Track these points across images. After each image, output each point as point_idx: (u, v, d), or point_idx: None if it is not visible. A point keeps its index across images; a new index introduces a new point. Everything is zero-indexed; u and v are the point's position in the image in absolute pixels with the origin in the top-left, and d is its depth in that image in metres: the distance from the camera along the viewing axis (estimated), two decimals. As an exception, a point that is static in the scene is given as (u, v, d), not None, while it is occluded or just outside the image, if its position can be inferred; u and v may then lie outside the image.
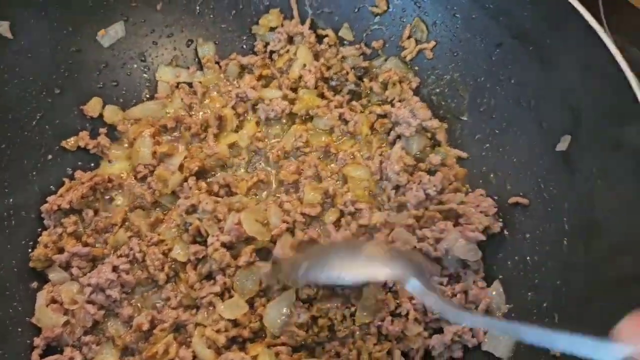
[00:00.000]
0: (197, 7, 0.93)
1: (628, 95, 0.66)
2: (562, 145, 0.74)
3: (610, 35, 0.99)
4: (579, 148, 0.73)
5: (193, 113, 0.89)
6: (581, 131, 0.73)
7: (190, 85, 0.91)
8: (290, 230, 0.76)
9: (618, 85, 0.66)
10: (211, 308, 0.71)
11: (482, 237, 0.75)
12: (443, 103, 0.89)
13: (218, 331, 0.68)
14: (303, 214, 0.78)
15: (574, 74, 0.73)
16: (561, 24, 0.73)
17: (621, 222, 0.66)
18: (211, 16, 0.94)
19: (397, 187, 0.82)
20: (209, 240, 0.73)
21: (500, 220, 0.78)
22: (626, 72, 0.66)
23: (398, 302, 0.74)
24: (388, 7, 0.91)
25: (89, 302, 0.71)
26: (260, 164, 0.86)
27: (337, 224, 0.79)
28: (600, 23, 0.99)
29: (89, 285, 0.71)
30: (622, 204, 0.67)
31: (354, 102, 0.90)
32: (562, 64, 0.75)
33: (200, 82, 0.91)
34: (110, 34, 0.88)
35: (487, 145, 0.84)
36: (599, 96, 0.70)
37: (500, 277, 0.76)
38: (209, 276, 0.73)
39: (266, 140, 0.87)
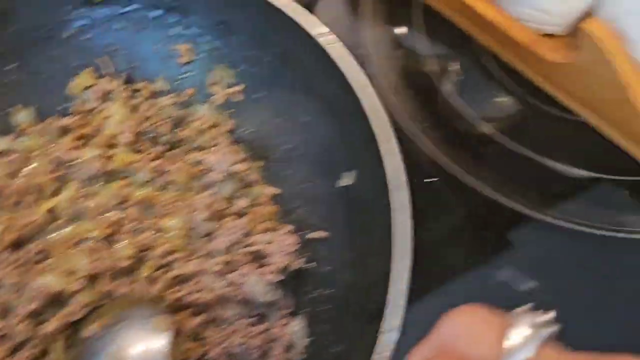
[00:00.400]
0: (11, 75, 0.95)
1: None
2: (346, 180, 0.79)
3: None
4: (360, 182, 0.78)
5: (14, 181, 0.90)
6: (360, 166, 0.78)
7: (10, 152, 0.93)
8: (96, 280, 0.79)
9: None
10: (16, 383, 0.74)
11: (280, 277, 0.79)
12: (257, 143, 0.93)
13: (19, 408, 0.72)
14: (113, 267, 0.81)
15: (346, 116, 0.78)
16: (315, 61, 0.78)
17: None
18: (27, 81, 0.96)
19: (207, 234, 0.86)
20: (14, 312, 0.76)
21: (305, 255, 0.83)
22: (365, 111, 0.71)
23: (205, 349, 0.78)
24: (194, 57, 0.94)
25: None
26: (81, 224, 0.89)
27: (150, 277, 0.83)
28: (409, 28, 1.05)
29: None
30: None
31: (171, 152, 0.93)
32: (337, 107, 0.80)
33: (20, 149, 0.93)
34: None
35: (295, 182, 0.89)
36: (362, 134, 0.75)
37: (305, 310, 0.81)
38: (15, 352, 0.76)
39: (86, 200, 0.90)
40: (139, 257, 0.84)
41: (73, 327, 0.78)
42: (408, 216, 0.66)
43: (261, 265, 0.82)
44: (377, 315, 0.69)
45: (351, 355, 0.70)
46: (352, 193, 0.79)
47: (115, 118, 0.94)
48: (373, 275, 0.72)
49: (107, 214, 0.88)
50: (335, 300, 0.79)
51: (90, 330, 0.73)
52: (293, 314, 0.81)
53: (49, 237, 0.86)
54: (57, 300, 0.79)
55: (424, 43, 1.09)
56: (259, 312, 0.81)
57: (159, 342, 0.71)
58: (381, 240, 0.72)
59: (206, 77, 0.94)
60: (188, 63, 0.95)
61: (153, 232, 0.87)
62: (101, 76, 0.96)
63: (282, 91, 0.87)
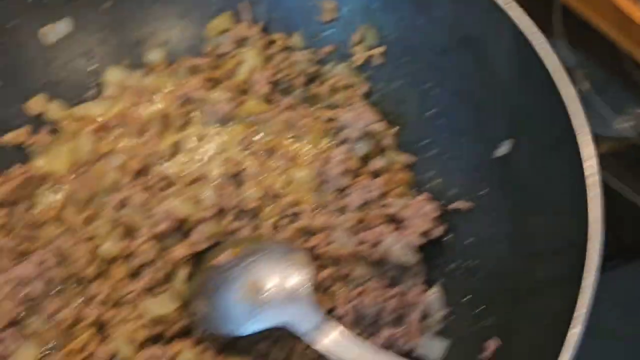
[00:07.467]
0: (147, 8, 0.92)
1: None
2: (503, 149, 0.74)
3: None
4: (519, 152, 0.73)
5: (138, 112, 0.87)
6: (521, 135, 0.73)
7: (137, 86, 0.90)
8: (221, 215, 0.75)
9: (553, 90, 0.67)
10: (135, 304, 0.68)
11: (422, 240, 0.74)
12: (391, 109, 0.88)
13: (141, 327, 0.66)
14: (239, 206, 0.76)
15: (512, 80, 0.74)
16: (497, 30, 0.73)
17: (561, 221, 0.66)
18: (161, 18, 0.93)
19: (339, 190, 0.81)
20: (139, 233, 0.71)
21: (443, 225, 0.77)
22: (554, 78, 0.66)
23: (333, 304, 0.72)
24: (337, 15, 0.91)
25: (10, 296, 0.68)
26: (203, 161, 0.84)
27: (275, 224, 0.78)
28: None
29: (10, 279, 0.69)
30: (562, 203, 0.67)
31: (301, 106, 0.90)
32: (501, 70, 0.75)
33: (147, 84, 0.90)
34: (56, 31, 0.87)
35: (434, 151, 0.84)
36: (536, 101, 0.71)
37: (441, 280, 0.75)
38: (137, 273, 0.71)
39: (210, 139, 0.86)
40: (265, 203, 0.79)
41: (194, 259, 0.73)
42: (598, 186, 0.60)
43: (397, 228, 0.76)
44: (539, 291, 0.63)
45: (503, 329, 0.64)
46: (505, 163, 0.74)
47: (249, 65, 0.91)
48: (542, 249, 0.67)
49: (231, 155, 0.84)
50: (478, 273, 0.73)
51: (224, 257, 0.68)
52: (427, 283, 0.75)
53: (170, 168, 0.82)
54: (180, 230, 0.74)
55: (566, 52, 1.04)
56: (391, 276, 0.75)
57: (302, 275, 0.65)
58: (558, 207, 0.67)
59: (348, 36, 0.91)
60: (330, 22, 0.91)
61: (281, 180, 0.82)
62: (239, 22, 0.94)
63: (432, 55, 0.83)
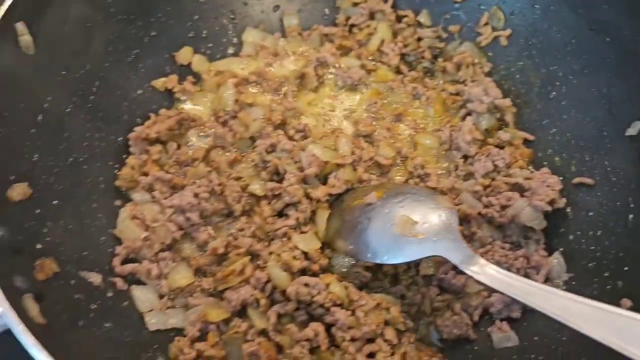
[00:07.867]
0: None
1: None
2: (633, 130, 0.77)
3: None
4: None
5: (273, 71, 0.93)
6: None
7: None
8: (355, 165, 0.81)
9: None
10: (285, 239, 0.74)
11: (549, 208, 0.77)
12: (513, 88, 0.92)
13: (294, 258, 0.71)
14: (372, 159, 0.82)
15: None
16: (634, 13, 0.77)
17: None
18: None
19: (465, 157, 0.85)
20: (287, 176, 0.77)
21: (564, 197, 0.81)
22: None
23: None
24: (473, -4, 0.95)
25: (169, 221, 0.75)
26: (336, 121, 0.90)
27: (405, 182, 0.82)
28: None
29: (171, 206, 0.75)
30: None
31: (427, 79, 0.95)
32: (637, 52, 0.78)
33: (281, 47, 0.96)
34: (207, -12, 0.94)
35: (555, 129, 0.87)
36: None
37: (561, 249, 0.78)
38: (281, 214, 0.77)
39: (342, 102, 0.91)
40: (395, 162, 0.84)
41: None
42: None
43: (522, 196, 0.80)
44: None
45: (632, 293, 0.68)
46: (633, 143, 0.77)
47: (378, 36, 0.96)
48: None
49: (362, 117, 0.89)
50: (601, 243, 0.76)
51: (370, 197, 0.73)
52: (547, 250, 0.79)
53: (306, 123, 0.87)
54: (317, 177, 0.79)
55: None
56: (513, 241, 0.79)
57: (448, 213, 0.69)
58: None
59: (476, 17, 0.95)
60: (460, 2, 0.96)
61: (407, 144, 0.87)
62: (371, -4, 0.99)
63: (563, 38, 0.86)
